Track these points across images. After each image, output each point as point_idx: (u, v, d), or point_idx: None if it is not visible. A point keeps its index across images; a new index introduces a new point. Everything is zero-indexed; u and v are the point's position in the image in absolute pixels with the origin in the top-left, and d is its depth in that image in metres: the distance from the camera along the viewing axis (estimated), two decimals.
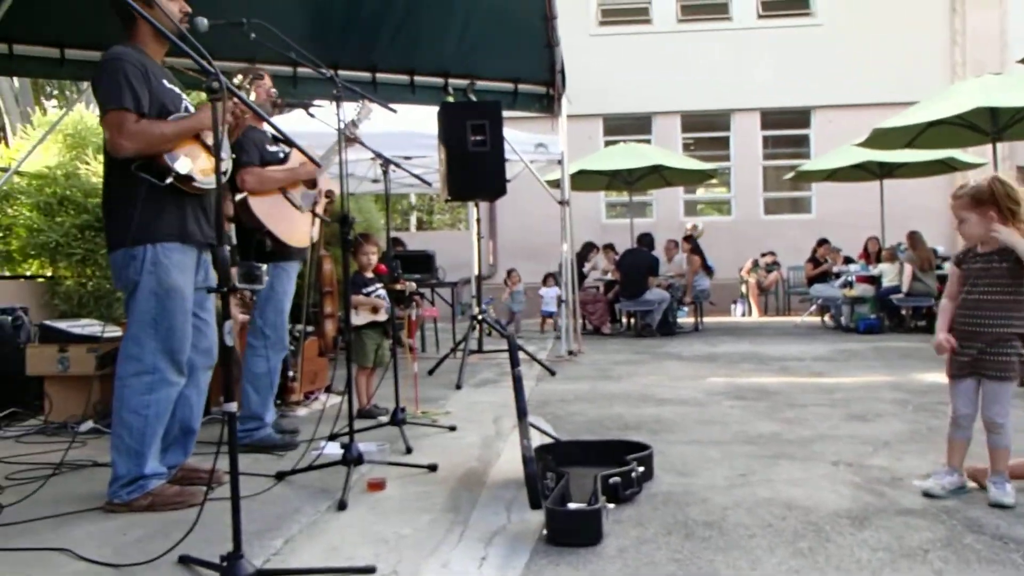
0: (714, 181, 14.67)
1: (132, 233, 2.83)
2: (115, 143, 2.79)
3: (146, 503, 2.85)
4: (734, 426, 4.31)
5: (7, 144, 10.36)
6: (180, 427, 3.15)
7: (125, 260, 2.89)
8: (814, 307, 11.83)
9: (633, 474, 2.99)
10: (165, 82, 3.00)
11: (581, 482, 2.90)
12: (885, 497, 2.92)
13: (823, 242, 12.18)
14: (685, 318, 11.64)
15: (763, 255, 13.84)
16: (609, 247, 11.92)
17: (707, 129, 15.81)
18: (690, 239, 11.53)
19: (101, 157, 7.25)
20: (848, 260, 11.62)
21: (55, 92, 18.29)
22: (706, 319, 11.65)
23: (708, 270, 11.45)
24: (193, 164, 2.89)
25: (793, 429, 4.19)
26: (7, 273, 7.45)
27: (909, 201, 12.61)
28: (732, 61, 14.68)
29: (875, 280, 10.28)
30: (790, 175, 13.40)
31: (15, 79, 12.79)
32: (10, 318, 5.06)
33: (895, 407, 4.75)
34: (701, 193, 17.35)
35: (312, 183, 4.12)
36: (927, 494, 2.91)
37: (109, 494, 2.88)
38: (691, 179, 13.40)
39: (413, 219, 21.81)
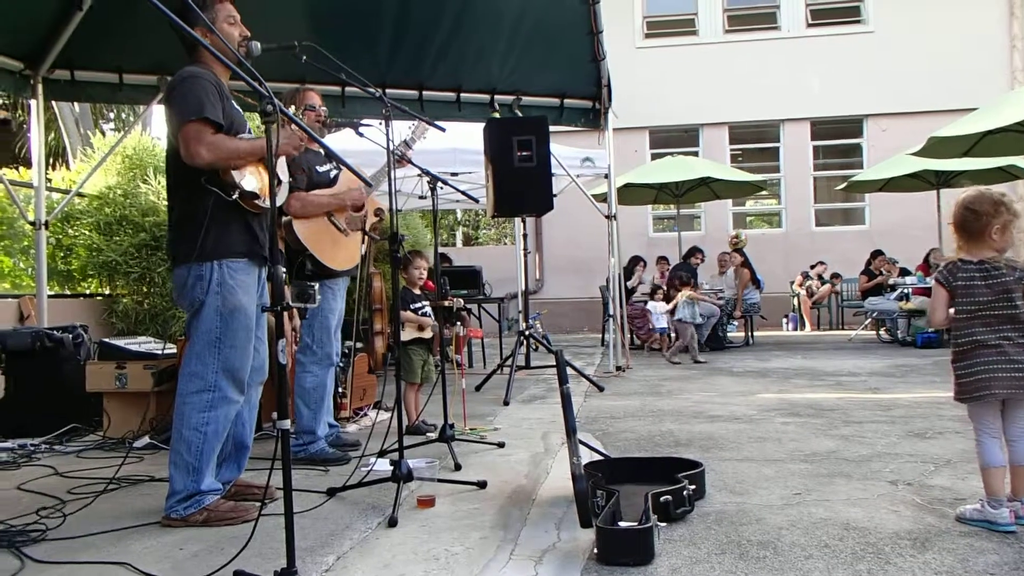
0: (764, 193, 14.47)
1: (199, 249, 2.90)
2: (193, 152, 2.84)
3: (202, 518, 2.90)
4: (788, 443, 4.22)
5: (68, 167, 10.73)
6: (234, 442, 3.19)
7: (192, 279, 2.95)
8: (869, 320, 11.56)
9: (685, 492, 2.94)
10: (233, 103, 3.08)
11: (632, 500, 2.87)
12: (948, 518, 2.82)
13: (878, 254, 11.90)
14: (735, 332, 11.47)
15: (813, 266, 13.58)
16: (663, 259, 11.82)
17: (756, 140, 15.64)
18: (740, 252, 11.36)
19: (159, 177, 7.50)
20: (904, 272, 11.33)
21: (112, 116, 18.89)
22: (757, 333, 11.46)
23: (757, 283, 11.27)
24: (258, 183, 2.96)
25: (850, 447, 4.09)
26: (68, 292, 7.69)
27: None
28: (781, 71, 14.51)
29: None
30: (842, 186, 13.15)
31: (75, 104, 13.23)
32: (71, 335, 5.20)
33: (958, 424, 4.59)
34: (750, 205, 17.15)
35: (358, 207, 4.16)
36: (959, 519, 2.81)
37: (166, 509, 2.93)
38: (740, 191, 13.23)
39: (459, 234, 21.96)
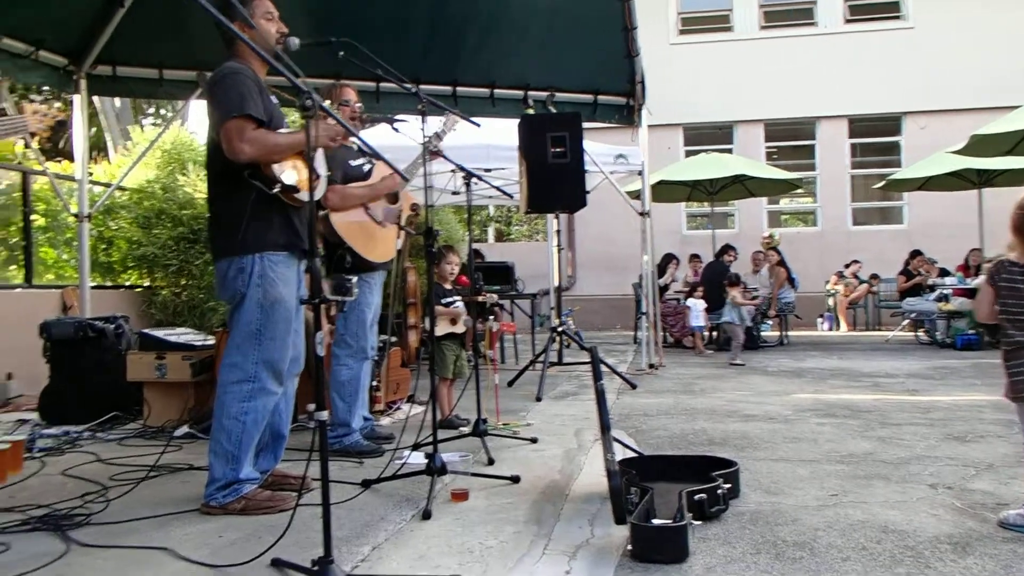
0: (799, 191, 14.30)
1: (240, 243, 2.94)
2: (235, 148, 2.88)
3: (240, 506, 2.94)
4: (824, 444, 4.17)
5: (109, 161, 10.94)
6: (271, 433, 3.23)
7: (233, 271, 3.00)
8: (907, 321, 11.37)
9: (719, 491, 2.93)
10: (272, 98, 3.12)
11: (665, 498, 2.87)
12: (990, 523, 2.76)
13: (916, 253, 11.70)
14: (769, 332, 11.35)
15: (847, 265, 13.40)
16: (695, 257, 11.74)
17: (791, 138, 15.45)
18: (776, 250, 11.24)
19: (197, 171, 7.61)
20: (944, 272, 11.12)
21: (151, 111, 19.20)
22: (791, 333, 11.33)
23: (792, 282, 11.14)
24: (297, 177, 3.00)
25: (887, 449, 4.03)
26: (109, 283, 7.85)
27: (1011, 210, 11.97)
28: (817, 67, 14.32)
29: (974, 293, 9.79)
30: (880, 184, 12.95)
31: (116, 99, 13.47)
32: (113, 326, 5.31)
33: (1000, 428, 4.51)
34: (785, 203, 16.95)
35: (394, 197, 4.20)
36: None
37: (206, 496, 2.98)
38: (775, 189, 13.11)
39: (491, 230, 21.98)
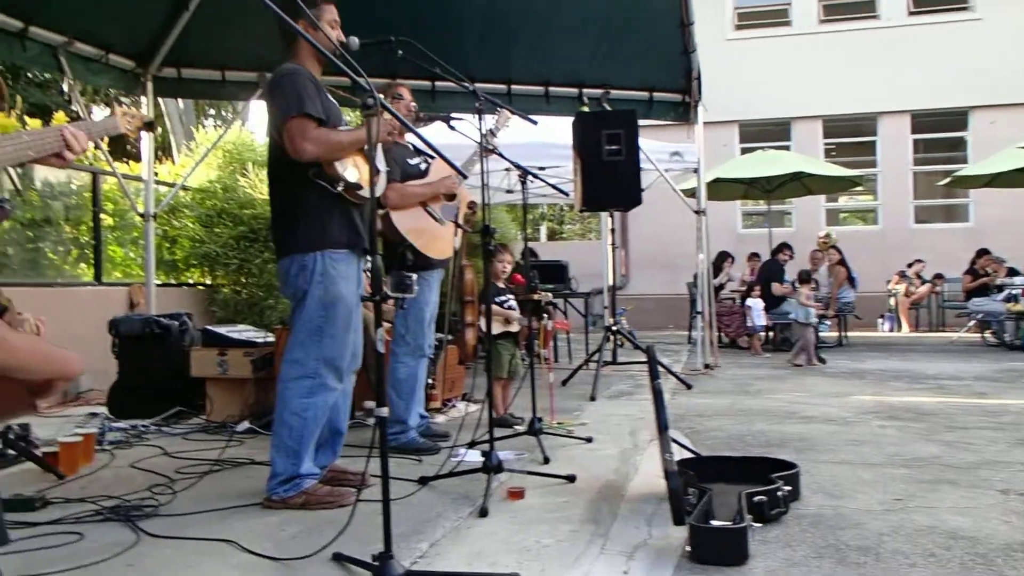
0: (859, 189, 13.97)
1: (303, 241, 3.00)
2: (298, 147, 2.94)
3: (300, 501, 2.99)
4: (887, 447, 4.06)
5: (173, 161, 11.25)
6: (329, 429, 3.28)
7: (296, 269, 3.05)
8: (973, 322, 11.01)
9: (779, 493, 2.88)
10: (329, 96, 3.17)
11: (724, 499, 2.82)
12: None
13: (983, 252, 11.32)
14: (828, 332, 11.10)
15: (910, 265, 13.02)
16: (754, 255, 11.55)
17: (851, 134, 15.10)
18: (836, 249, 10.98)
19: (256, 171, 7.78)
20: (1013, 272, 10.73)
21: (211, 112, 19.68)
22: (850, 334, 11.07)
23: (851, 282, 10.88)
24: (358, 175, 3.04)
25: (955, 453, 3.91)
26: (173, 281, 8.07)
27: None
28: (879, 61, 13.95)
29: None
30: (945, 181, 12.56)
31: (180, 100, 13.83)
32: (177, 323, 5.45)
33: None
34: (844, 201, 16.56)
35: (452, 196, 4.23)
36: None
37: (268, 490, 3.03)
38: (834, 187, 12.80)
39: (543, 229, 21.97)
